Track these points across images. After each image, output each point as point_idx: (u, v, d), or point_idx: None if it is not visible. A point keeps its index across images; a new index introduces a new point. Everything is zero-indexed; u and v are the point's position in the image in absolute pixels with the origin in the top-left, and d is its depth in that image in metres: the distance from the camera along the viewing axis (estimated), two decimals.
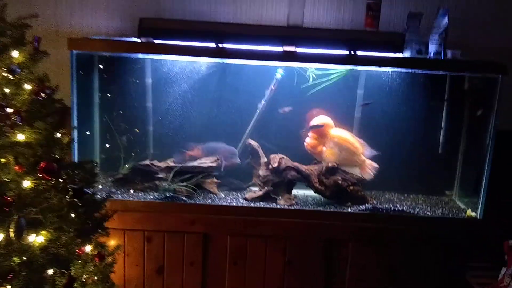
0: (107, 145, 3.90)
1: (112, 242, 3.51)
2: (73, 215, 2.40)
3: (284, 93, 3.74)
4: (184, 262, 3.53)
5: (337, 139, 3.59)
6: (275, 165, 3.65)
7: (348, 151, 3.57)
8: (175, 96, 3.89)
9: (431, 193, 3.91)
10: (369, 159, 3.56)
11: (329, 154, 3.59)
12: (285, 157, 3.65)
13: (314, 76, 3.58)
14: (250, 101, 3.79)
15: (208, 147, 3.84)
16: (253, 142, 3.81)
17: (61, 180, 2.34)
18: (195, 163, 3.74)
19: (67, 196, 2.58)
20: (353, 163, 3.61)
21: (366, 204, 3.64)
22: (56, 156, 2.35)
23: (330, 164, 3.63)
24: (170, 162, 3.76)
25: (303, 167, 3.66)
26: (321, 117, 3.55)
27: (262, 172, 3.74)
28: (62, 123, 2.91)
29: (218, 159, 3.70)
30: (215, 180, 3.79)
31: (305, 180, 3.62)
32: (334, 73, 3.53)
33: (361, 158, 3.61)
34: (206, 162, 3.75)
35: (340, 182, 3.63)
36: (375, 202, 3.68)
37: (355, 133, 3.69)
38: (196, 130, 3.89)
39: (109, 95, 4.14)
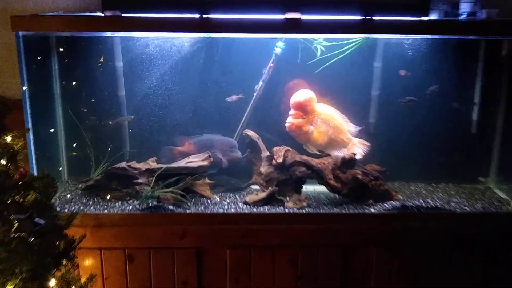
0: (74, 145, 3.56)
1: (87, 263, 3.10)
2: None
3: (285, 72, 3.40)
4: (175, 282, 3.14)
5: (324, 116, 3.21)
6: (280, 160, 3.25)
7: (336, 129, 3.23)
8: (154, 81, 3.47)
9: (463, 180, 3.60)
10: (355, 136, 3.31)
11: (317, 135, 3.22)
12: (291, 149, 3.29)
13: (323, 48, 3.20)
14: (245, 83, 3.43)
15: (202, 140, 3.48)
16: (250, 133, 3.44)
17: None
18: (181, 163, 3.32)
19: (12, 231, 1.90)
20: (340, 144, 3.28)
21: (392, 201, 3.26)
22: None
23: (347, 156, 3.24)
24: (151, 163, 3.37)
25: (314, 161, 3.24)
26: (304, 91, 3.17)
27: (264, 168, 3.36)
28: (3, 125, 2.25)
29: (209, 156, 3.31)
30: (208, 181, 3.40)
31: (317, 177, 3.23)
32: (347, 43, 3.15)
33: (347, 136, 3.29)
34: (195, 161, 3.32)
35: (360, 176, 3.23)
36: (401, 198, 3.31)
37: (374, 114, 3.47)
38: (182, 121, 3.53)
39: (73, 84, 3.58)
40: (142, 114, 3.48)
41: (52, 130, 3.49)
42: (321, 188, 3.32)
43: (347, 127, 3.24)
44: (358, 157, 3.21)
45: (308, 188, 3.43)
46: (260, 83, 3.39)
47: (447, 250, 3.03)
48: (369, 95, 3.43)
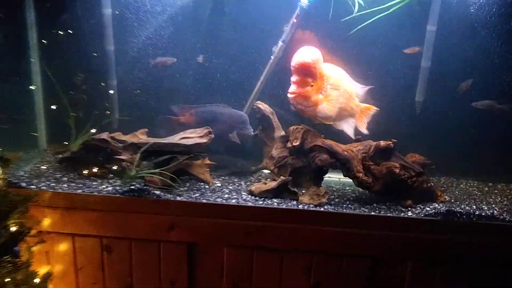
0: (53, 107, 3.14)
1: (57, 250, 2.69)
2: None
3: (312, 31, 2.92)
4: (161, 280, 2.78)
5: (334, 81, 2.71)
6: (297, 142, 2.77)
7: (346, 95, 2.75)
8: (149, 35, 3.05)
9: None
10: (362, 100, 2.86)
11: (327, 107, 2.72)
12: (311, 130, 2.84)
13: (361, 2, 2.75)
14: (260, 42, 3.05)
15: (206, 111, 3.09)
16: (263, 106, 2.99)
17: None
18: (175, 139, 2.90)
19: None
20: (349, 113, 2.82)
21: (436, 204, 2.76)
22: None
23: (382, 143, 2.75)
24: (140, 135, 2.97)
25: (339, 147, 2.77)
26: (308, 50, 2.65)
27: (276, 151, 2.91)
28: None
29: (210, 132, 2.92)
30: (208, 162, 2.98)
31: (342, 167, 2.76)
32: None
33: (356, 102, 2.83)
34: (192, 137, 2.88)
35: (397, 171, 2.72)
36: (448, 200, 2.83)
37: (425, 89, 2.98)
38: (183, 86, 3.16)
39: (52, 36, 3.08)
40: (134, 75, 3.13)
41: (27, 89, 3.11)
42: (348, 180, 2.87)
43: (355, 89, 2.82)
44: (364, 131, 2.85)
45: (332, 177, 3.07)
46: (280, 43, 2.98)
47: (503, 271, 2.58)
48: (417, 67, 2.99)
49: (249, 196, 2.79)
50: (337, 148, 2.75)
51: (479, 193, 2.96)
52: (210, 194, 2.78)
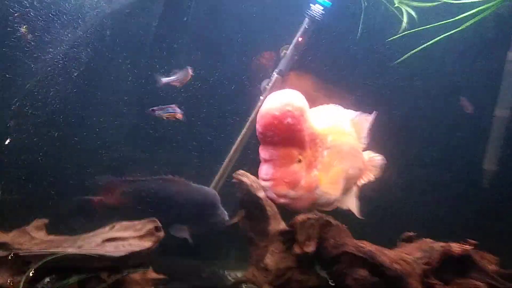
0: None
1: None
2: None
3: (329, 57, 2.33)
4: None
5: (334, 138, 1.93)
6: (311, 247, 1.85)
7: (352, 154, 2.00)
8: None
9: None
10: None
11: (331, 188, 1.89)
12: (333, 222, 1.94)
13: (412, 12, 2.06)
14: (240, 73, 2.38)
15: (147, 188, 2.21)
16: (249, 179, 2.01)
17: None
18: (95, 243, 1.87)
19: None
20: (356, 178, 2.07)
21: None
22: None
23: (455, 248, 1.93)
24: (35, 232, 1.99)
25: (385, 255, 1.90)
26: (281, 98, 1.83)
27: (272, 258, 1.97)
28: None
29: (157, 229, 1.93)
30: (152, 275, 1.99)
31: None
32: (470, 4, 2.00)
33: (363, 158, 2.13)
34: (124, 237, 1.91)
35: None
36: None
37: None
38: (108, 141, 2.39)
39: None
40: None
41: None
42: None
43: (356, 131, 2.12)
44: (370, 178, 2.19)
45: None
46: (274, 76, 2.25)
47: None
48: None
49: None
50: (382, 258, 1.87)
51: None
52: None
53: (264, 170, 1.84)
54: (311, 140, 1.88)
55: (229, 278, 2.47)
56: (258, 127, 1.80)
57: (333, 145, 1.90)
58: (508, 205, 2.55)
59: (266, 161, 1.83)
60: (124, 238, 1.99)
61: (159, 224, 1.98)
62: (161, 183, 2.27)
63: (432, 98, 2.56)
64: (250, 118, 2.37)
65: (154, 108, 2.41)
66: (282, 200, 1.85)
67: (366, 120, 2.13)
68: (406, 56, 2.15)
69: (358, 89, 2.42)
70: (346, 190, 1.97)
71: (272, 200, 1.85)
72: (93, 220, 2.27)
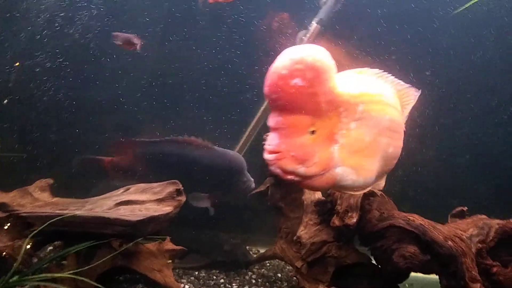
0: None
1: None
2: None
3: None
4: None
5: (367, 106, 1.52)
6: (354, 218, 1.67)
7: (393, 130, 1.60)
8: None
9: None
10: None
11: (356, 165, 1.51)
12: (378, 194, 1.77)
13: None
14: None
15: (165, 150, 1.99)
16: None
17: None
18: (107, 206, 1.69)
19: None
20: (396, 155, 1.63)
21: None
22: None
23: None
24: (39, 193, 1.87)
25: (438, 230, 1.68)
26: (300, 52, 1.43)
27: (306, 230, 1.81)
28: None
29: (178, 192, 1.73)
30: (169, 246, 1.83)
31: (443, 271, 1.69)
32: None
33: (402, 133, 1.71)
34: (141, 200, 1.73)
35: None
36: None
37: None
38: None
39: None
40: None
41: None
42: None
43: (401, 105, 1.74)
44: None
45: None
46: (313, 24, 1.98)
47: None
48: None
49: None
50: (435, 234, 1.63)
51: None
52: None
53: (269, 140, 1.46)
54: (332, 108, 1.51)
55: (253, 254, 2.23)
56: (264, 87, 1.46)
57: (365, 117, 1.54)
58: None
59: (272, 129, 1.47)
60: (141, 201, 1.80)
61: (181, 187, 1.76)
62: (179, 145, 2.03)
63: None
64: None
65: (116, 33, 2.21)
66: (290, 177, 1.48)
67: (414, 95, 1.77)
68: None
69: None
70: (383, 173, 1.65)
71: (279, 176, 1.47)
72: (102, 182, 2.05)
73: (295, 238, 1.90)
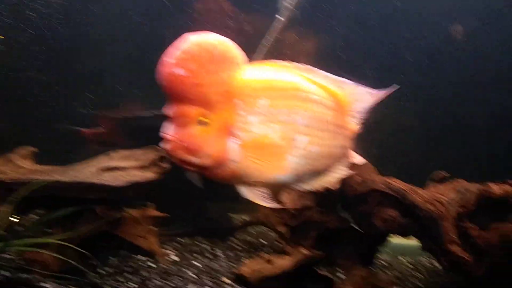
0: None
1: None
2: None
3: None
4: None
5: (274, 108, 1.49)
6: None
7: (320, 129, 1.55)
8: None
9: None
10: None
11: (258, 159, 1.48)
12: (359, 159, 1.71)
13: None
14: None
15: (150, 122, 1.94)
16: None
17: None
18: (90, 172, 1.71)
19: None
20: (334, 154, 1.59)
21: None
22: None
23: (495, 189, 1.82)
24: (22, 161, 1.90)
25: (418, 194, 1.81)
26: (189, 40, 1.42)
27: (287, 197, 1.92)
28: None
29: (161, 159, 1.80)
30: (153, 212, 1.94)
31: (423, 233, 1.86)
32: None
33: (348, 129, 1.64)
34: (124, 166, 1.77)
35: None
36: None
37: None
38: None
39: None
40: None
41: None
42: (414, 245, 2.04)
43: (343, 103, 1.66)
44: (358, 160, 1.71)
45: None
46: None
47: None
48: None
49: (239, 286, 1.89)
50: (414, 198, 1.74)
51: None
52: (158, 282, 1.77)
53: (164, 128, 1.47)
54: (226, 100, 1.48)
55: (238, 221, 2.34)
56: (160, 77, 1.44)
57: (272, 112, 1.51)
58: None
59: (168, 118, 1.48)
60: (124, 168, 1.83)
61: (164, 154, 1.81)
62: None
63: None
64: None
65: None
66: (187, 167, 1.50)
67: (367, 93, 1.70)
68: None
69: None
70: (311, 172, 1.62)
71: (176, 161, 1.48)
72: (85, 150, 2.10)
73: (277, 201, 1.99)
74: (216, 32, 1.47)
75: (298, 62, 1.55)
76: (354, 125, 1.65)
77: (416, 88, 2.87)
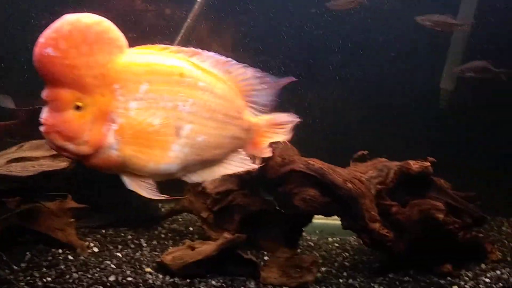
0: None
1: None
2: None
3: None
4: None
5: (156, 94, 1.41)
6: (256, 163, 1.57)
7: (208, 118, 1.46)
8: None
9: None
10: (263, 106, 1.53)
11: (138, 148, 1.41)
12: (282, 142, 1.81)
13: None
14: None
15: None
16: None
17: None
18: None
19: None
20: (225, 144, 1.53)
21: (491, 268, 2.02)
22: None
23: (413, 166, 1.88)
24: None
25: (337, 173, 1.85)
26: (64, 19, 1.29)
27: (209, 182, 1.97)
28: None
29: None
30: (70, 204, 1.90)
31: (343, 212, 1.89)
32: None
33: (244, 120, 1.55)
34: (35, 156, 1.77)
35: (440, 217, 1.88)
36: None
37: None
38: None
39: None
40: None
41: None
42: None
43: (243, 95, 1.56)
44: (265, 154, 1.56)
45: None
46: None
47: None
48: None
49: (160, 275, 1.84)
50: (333, 176, 1.76)
51: None
52: (76, 275, 1.76)
53: (42, 112, 1.39)
54: (104, 84, 1.42)
55: (162, 209, 2.33)
56: (35, 61, 1.35)
57: (152, 97, 1.44)
58: None
59: (44, 101, 1.41)
60: (34, 157, 1.80)
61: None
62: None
63: None
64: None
65: None
66: (63, 153, 1.40)
67: (267, 83, 1.55)
68: None
69: None
70: (200, 162, 1.53)
71: (53, 148, 1.38)
72: None
73: (200, 188, 1.95)
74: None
75: (211, 50, 1.51)
76: (251, 116, 1.54)
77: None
